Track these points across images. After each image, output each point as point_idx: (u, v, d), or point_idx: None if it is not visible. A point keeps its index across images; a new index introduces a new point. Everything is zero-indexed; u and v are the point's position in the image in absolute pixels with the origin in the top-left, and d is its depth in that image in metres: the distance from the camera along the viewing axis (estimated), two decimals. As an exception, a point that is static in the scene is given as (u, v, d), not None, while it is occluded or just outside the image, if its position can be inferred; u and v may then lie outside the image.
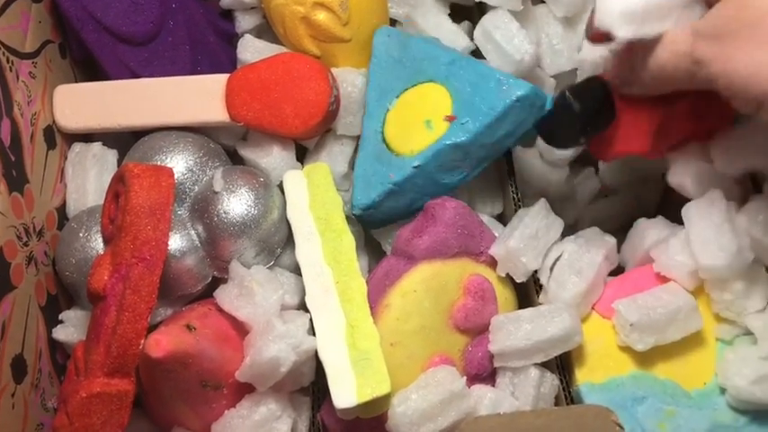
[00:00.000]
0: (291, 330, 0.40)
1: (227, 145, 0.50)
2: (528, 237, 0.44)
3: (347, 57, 0.50)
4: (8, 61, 0.44)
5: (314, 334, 0.41)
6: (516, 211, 0.48)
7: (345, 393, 0.39)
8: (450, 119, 0.45)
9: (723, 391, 0.43)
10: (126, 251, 0.40)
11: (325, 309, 0.42)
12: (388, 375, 0.39)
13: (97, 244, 0.45)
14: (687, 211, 0.44)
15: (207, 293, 0.46)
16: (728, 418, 0.42)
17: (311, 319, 0.42)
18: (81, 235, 0.45)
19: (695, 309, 0.43)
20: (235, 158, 0.50)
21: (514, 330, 0.43)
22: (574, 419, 0.32)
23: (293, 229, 0.46)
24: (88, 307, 0.45)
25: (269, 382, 0.41)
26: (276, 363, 0.39)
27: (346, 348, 0.40)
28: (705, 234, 0.42)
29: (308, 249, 0.44)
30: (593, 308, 0.46)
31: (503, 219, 0.51)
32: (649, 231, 0.47)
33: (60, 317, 0.46)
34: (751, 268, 0.43)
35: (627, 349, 0.44)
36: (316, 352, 0.41)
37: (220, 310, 0.43)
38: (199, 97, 0.47)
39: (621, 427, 0.32)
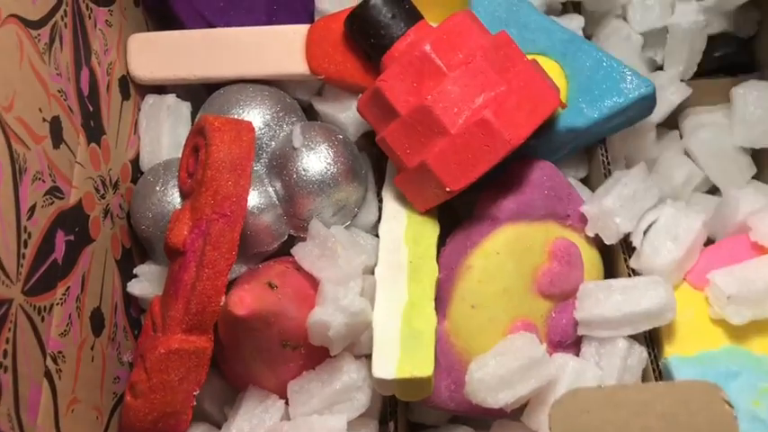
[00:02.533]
0: (340, 293, 0.39)
1: (301, 100, 0.49)
2: (625, 197, 0.42)
3: (430, 7, 0.47)
4: (87, 8, 0.43)
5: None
6: (605, 174, 0.46)
7: (386, 365, 0.38)
8: (563, 106, 0.44)
9: (823, 369, 0.41)
10: (206, 206, 0.39)
11: (391, 283, 0.41)
12: (433, 360, 0.38)
13: (174, 198, 0.44)
14: None
15: (279, 252, 0.45)
16: (829, 398, 0.40)
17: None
18: (158, 189, 0.44)
19: (798, 282, 0.40)
20: (309, 114, 0.49)
21: (604, 299, 0.41)
22: (679, 395, 0.31)
23: (384, 203, 0.44)
24: (163, 261, 0.45)
25: (332, 345, 0.39)
26: (324, 326, 0.38)
27: (400, 323, 0.39)
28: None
29: (392, 226, 0.43)
30: (684, 278, 0.43)
31: (588, 182, 0.49)
32: (743, 200, 0.44)
33: (135, 271, 0.45)
34: None
35: (720, 322, 0.42)
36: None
37: (298, 269, 0.42)
38: (278, 49, 0.46)
39: (731, 405, 0.31)
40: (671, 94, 0.51)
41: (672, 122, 0.55)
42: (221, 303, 0.39)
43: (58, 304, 0.37)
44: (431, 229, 0.44)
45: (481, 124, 0.39)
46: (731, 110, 0.52)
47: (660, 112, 0.50)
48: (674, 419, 0.30)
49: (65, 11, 0.39)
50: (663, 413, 0.31)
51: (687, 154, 0.54)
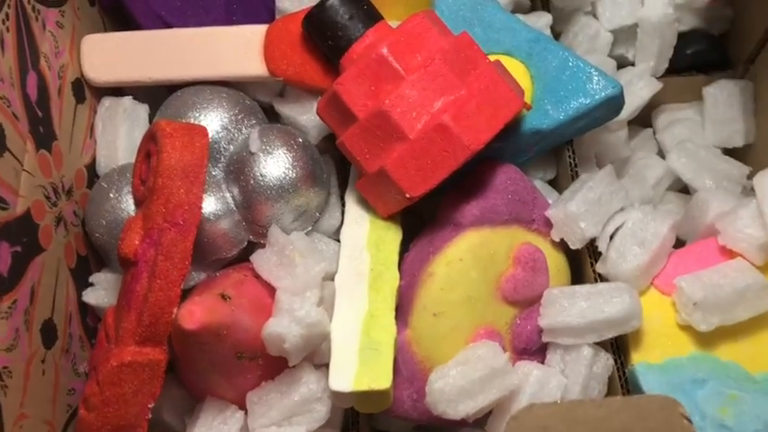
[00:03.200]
0: (296, 304, 0.38)
1: (262, 101, 0.47)
2: (590, 201, 0.41)
3: (392, 7, 0.46)
4: (34, 10, 0.41)
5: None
6: (572, 176, 0.45)
7: (343, 377, 0.37)
8: (527, 108, 0.43)
9: (791, 375, 0.40)
10: (158, 215, 0.38)
11: (351, 291, 0.40)
12: (391, 372, 0.37)
13: (128, 205, 0.43)
14: (760, 180, 0.40)
15: (241, 258, 0.44)
16: (796, 405, 0.40)
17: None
18: (111, 195, 0.43)
19: (765, 287, 0.40)
20: (270, 116, 0.47)
21: (568, 306, 0.40)
22: (637, 410, 0.30)
23: (347, 208, 0.43)
24: (119, 269, 0.44)
25: (290, 357, 0.38)
26: (279, 338, 0.37)
27: (359, 334, 0.38)
28: (781, 205, 0.39)
29: (354, 231, 0.42)
30: (651, 283, 0.43)
31: (556, 184, 0.48)
32: (712, 202, 0.43)
33: (90, 279, 0.44)
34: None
35: (687, 328, 0.41)
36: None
37: (256, 276, 0.41)
38: (235, 50, 0.45)
39: (689, 421, 0.30)
40: (640, 89, 0.50)
41: (645, 120, 0.54)
42: (174, 314, 0.38)
43: (2, 318, 0.36)
44: (393, 235, 0.43)
45: (440, 129, 0.38)
46: (703, 109, 0.51)
47: (630, 107, 0.49)
48: (631, 436, 0.30)
49: (6, 14, 0.38)
50: (620, 428, 0.30)
51: (660, 151, 0.53)
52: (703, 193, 0.44)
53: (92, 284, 0.44)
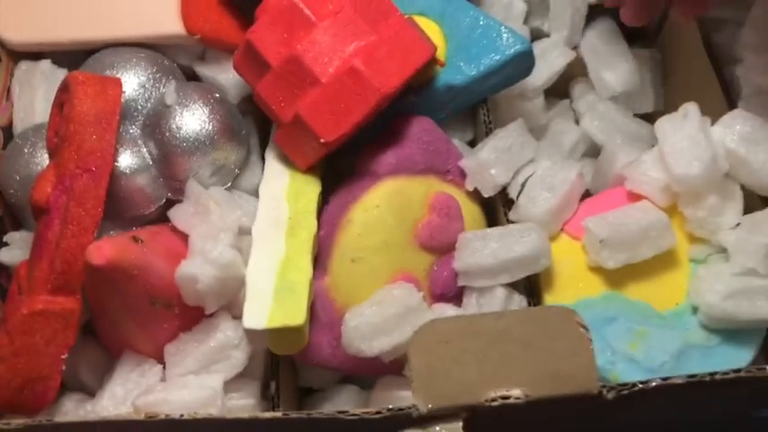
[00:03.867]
0: (209, 245, 0.38)
1: (183, 65, 0.48)
2: (500, 150, 0.43)
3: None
4: (-57, -39, 0.41)
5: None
6: (487, 133, 0.46)
7: (256, 315, 0.37)
8: (441, 64, 0.44)
9: (695, 311, 0.42)
10: (70, 161, 0.38)
11: (268, 238, 0.40)
12: (306, 311, 0.38)
13: (43, 160, 0.42)
14: (660, 125, 0.42)
15: (162, 218, 0.44)
16: (700, 338, 0.41)
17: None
18: (26, 150, 0.42)
19: (668, 226, 0.41)
20: (193, 80, 0.48)
21: (480, 248, 0.41)
22: (536, 321, 0.31)
23: (266, 163, 0.44)
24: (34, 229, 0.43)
25: (205, 302, 0.38)
26: (192, 279, 0.37)
27: (275, 276, 0.39)
28: (679, 145, 0.40)
29: (272, 184, 0.43)
30: (562, 229, 0.44)
31: (473, 145, 0.49)
32: (619, 154, 0.45)
33: (5, 239, 0.44)
34: (724, 183, 0.41)
35: (597, 270, 0.42)
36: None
37: (174, 231, 0.41)
38: (153, 9, 0.45)
39: (585, 328, 0.31)
40: (555, 57, 0.52)
41: (563, 93, 0.56)
42: (87, 260, 0.38)
43: None
44: (312, 187, 0.43)
45: (351, 73, 0.39)
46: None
47: (545, 75, 0.51)
48: (531, 344, 0.31)
49: None
50: (520, 338, 0.31)
51: (577, 121, 0.55)
52: (611, 146, 0.46)
53: (6, 244, 0.44)
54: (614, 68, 0.52)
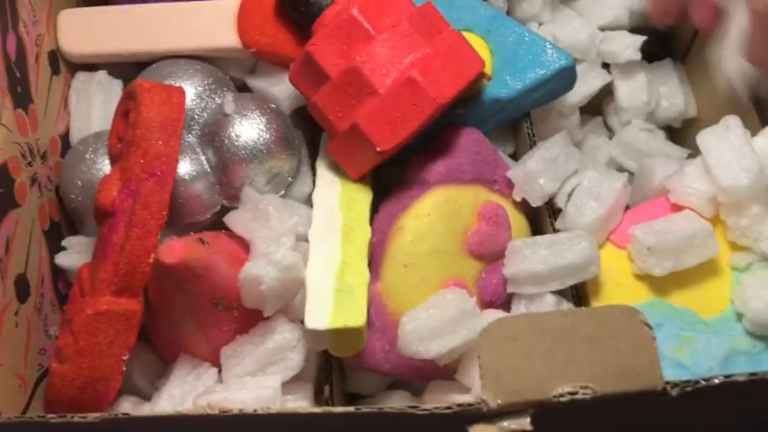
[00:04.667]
0: (272, 247, 0.39)
1: (235, 78, 0.49)
2: (547, 160, 0.44)
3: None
4: (14, -25, 0.43)
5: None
6: (530, 146, 0.47)
7: (318, 315, 0.38)
8: (488, 78, 0.45)
9: (739, 318, 0.43)
10: (136, 166, 0.39)
11: (325, 243, 0.41)
12: (365, 311, 0.39)
13: (104, 166, 0.44)
14: (702, 138, 0.44)
15: (215, 225, 0.45)
16: (746, 344, 0.42)
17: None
18: (87, 156, 0.44)
19: (712, 234, 0.42)
20: (243, 92, 0.49)
21: (531, 255, 0.42)
22: (602, 319, 0.32)
23: (318, 173, 0.45)
24: (92, 234, 0.44)
25: (265, 304, 0.39)
26: (255, 281, 0.38)
27: (333, 279, 0.40)
28: (725, 157, 0.42)
29: (325, 192, 0.44)
30: (607, 238, 0.45)
31: (515, 158, 0.50)
32: (657, 167, 0.47)
33: (63, 243, 0.45)
34: (766, 193, 0.42)
35: (642, 278, 0.43)
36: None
37: (231, 236, 0.42)
38: (209, 23, 0.47)
39: (650, 327, 0.32)
40: (593, 78, 0.53)
41: (597, 110, 0.58)
42: (151, 263, 0.39)
43: (-22, 263, 0.36)
44: (364, 195, 0.44)
45: (408, 83, 0.40)
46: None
47: (582, 94, 0.52)
48: (597, 341, 0.31)
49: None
50: (586, 336, 0.31)
51: (611, 137, 0.57)
52: (648, 160, 0.48)
53: (64, 248, 0.45)
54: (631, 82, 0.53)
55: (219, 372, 0.41)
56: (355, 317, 0.38)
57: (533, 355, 0.31)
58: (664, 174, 0.46)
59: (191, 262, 0.37)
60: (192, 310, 0.39)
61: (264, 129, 0.44)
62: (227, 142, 0.43)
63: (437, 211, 0.43)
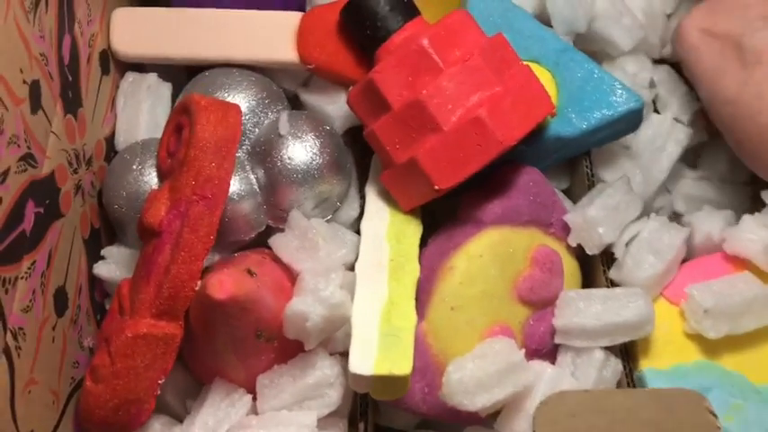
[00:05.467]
0: (321, 284, 0.38)
1: (287, 90, 0.47)
2: (609, 207, 0.42)
3: (423, 8, 0.47)
4: (73, -27, 0.41)
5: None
6: (589, 186, 0.46)
7: (363, 360, 0.37)
8: (552, 114, 0.44)
9: (792, 388, 0.41)
10: (187, 187, 0.38)
11: (372, 280, 0.40)
12: (412, 359, 0.37)
13: (151, 178, 0.42)
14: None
15: (256, 242, 0.44)
16: (797, 417, 0.41)
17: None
18: (134, 167, 0.42)
19: (771, 299, 0.41)
20: (295, 105, 0.48)
21: (584, 308, 0.41)
22: (665, 403, 0.31)
23: (367, 200, 0.43)
24: (132, 244, 0.43)
25: (308, 338, 0.38)
26: (302, 317, 0.37)
27: (379, 320, 0.38)
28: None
29: (374, 223, 0.43)
30: (661, 293, 0.44)
31: (569, 194, 0.49)
32: (698, 222, 0.45)
33: (102, 252, 0.44)
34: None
35: (694, 337, 0.42)
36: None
37: (274, 260, 0.41)
38: (268, 34, 0.45)
39: (715, 415, 0.31)
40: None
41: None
42: (195, 289, 0.38)
43: (22, 278, 0.35)
44: (414, 229, 0.43)
45: (475, 123, 0.38)
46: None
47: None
48: (658, 427, 0.30)
49: (49, -28, 0.38)
50: (648, 420, 0.30)
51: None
52: (687, 216, 0.47)
53: (103, 258, 0.44)
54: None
55: (254, 399, 0.40)
56: (401, 365, 0.37)
57: (591, 434, 0.30)
58: (707, 230, 0.45)
59: (240, 297, 0.36)
60: (234, 341, 0.38)
61: (318, 152, 0.42)
62: (279, 164, 0.42)
63: (490, 253, 0.42)
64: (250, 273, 0.37)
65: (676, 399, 0.31)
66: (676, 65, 0.51)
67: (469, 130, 0.39)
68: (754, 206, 0.46)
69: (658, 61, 0.52)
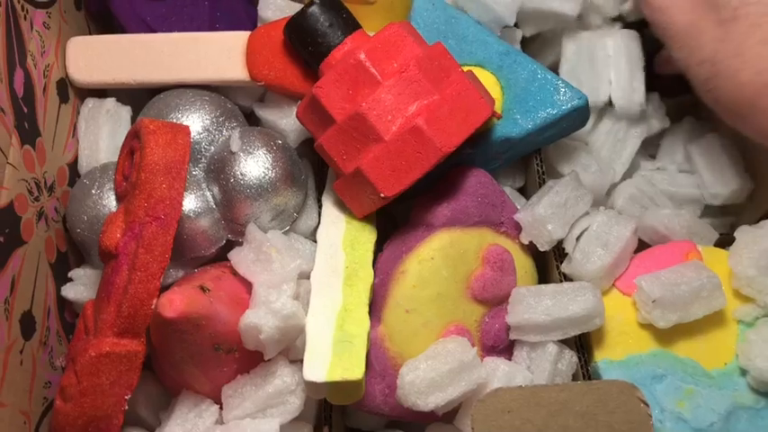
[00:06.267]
0: (272, 296, 0.39)
1: (243, 106, 0.49)
2: (556, 205, 0.43)
3: (370, 19, 0.48)
4: (23, 9, 0.43)
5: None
6: (540, 183, 0.47)
7: (316, 368, 0.38)
8: (498, 117, 0.45)
9: (744, 372, 0.42)
10: (140, 209, 0.39)
11: (327, 288, 0.41)
12: (364, 364, 0.39)
13: (110, 201, 0.44)
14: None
15: (220, 256, 0.45)
16: (749, 400, 0.42)
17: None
18: (93, 192, 0.44)
19: (719, 286, 0.42)
20: (251, 120, 0.49)
21: (534, 304, 0.42)
22: (598, 394, 0.32)
23: (323, 209, 0.45)
24: (99, 265, 0.45)
25: (266, 349, 0.39)
26: (255, 329, 0.38)
27: (333, 328, 0.40)
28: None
29: (330, 231, 0.44)
30: (613, 284, 0.45)
31: (524, 192, 0.50)
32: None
33: (70, 275, 0.45)
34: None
35: (647, 326, 0.43)
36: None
37: (234, 273, 0.43)
38: (218, 55, 0.46)
39: (646, 404, 0.32)
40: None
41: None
42: (153, 306, 0.39)
43: (-16, 306, 0.37)
44: (368, 235, 0.44)
45: (414, 132, 0.40)
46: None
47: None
48: (592, 418, 0.31)
49: (-3, 11, 0.39)
50: (581, 412, 0.31)
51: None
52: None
53: (71, 280, 0.45)
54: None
55: (221, 408, 0.42)
56: (353, 369, 0.38)
57: (528, 428, 0.31)
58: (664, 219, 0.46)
59: (191, 314, 0.37)
60: (192, 356, 0.39)
61: (270, 167, 0.44)
62: (232, 180, 0.43)
63: (441, 255, 0.43)
64: (203, 289, 0.38)
65: (609, 390, 0.32)
66: (638, 24, 0.51)
67: (409, 139, 0.40)
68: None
69: (616, 19, 0.52)
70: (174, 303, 0.36)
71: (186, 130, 0.41)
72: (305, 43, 0.43)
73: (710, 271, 0.42)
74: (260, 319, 0.38)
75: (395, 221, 0.49)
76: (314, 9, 0.43)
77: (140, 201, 0.39)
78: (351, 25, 0.43)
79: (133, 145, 0.41)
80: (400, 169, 0.40)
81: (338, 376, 0.38)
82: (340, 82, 0.41)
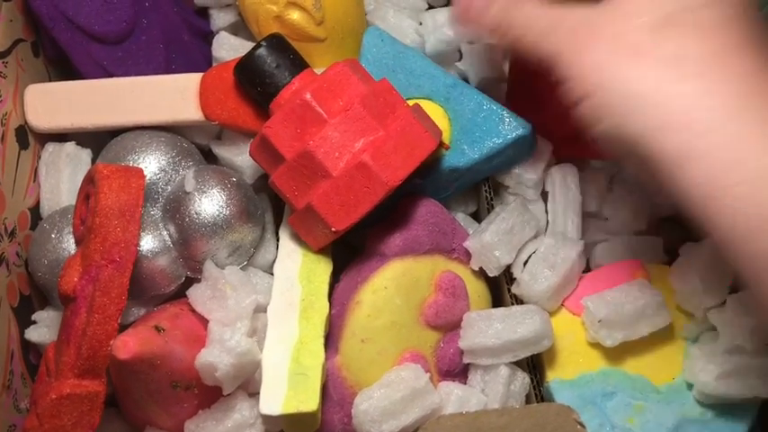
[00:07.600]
0: (227, 334, 0.40)
1: (201, 144, 0.50)
2: (503, 231, 0.45)
3: (322, 56, 0.50)
4: (-23, 62, 0.44)
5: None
6: (489, 209, 0.48)
7: (272, 401, 0.39)
8: (446, 147, 0.46)
9: (690, 386, 0.44)
10: (95, 253, 0.40)
11: (283, 321, 0.43)
12: (319, 396, 0.40)
13: (69, 245, 0.45)
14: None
15: (181, 293, 0.46)
16: (696, 413, 0.43)
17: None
18: (53, 236, 0.45)
19: (663, 305, 0.43)
20: (209, 158, 0.50)
21: (485, 328, 0.43)
22: (536, 418, 0.33)
23: (280, 242, 0.46)
24: (61, 308, 0.45)
25: (224, 385, 0.40)
26: (211, 367, 0.40)
27: (289, 360, 0.41)
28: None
29: (286, 265, 0.45)
30: (563, 304, 0.46)
31: (476, 217, 0.51)
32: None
33: (33, 317, 0.46)
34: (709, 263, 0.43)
35: (596, 345, 0.44)
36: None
37: (193, 310, 0.44)
38: (172, 96, 0.47)
39: (582, 426, 0.33)
40: None
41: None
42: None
43: (-56, 355, 0.38)
44: (324, 267, 0.45)
45: (360, 167, 0.41)
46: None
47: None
48: (531, 441, 0.32)
49: (-50, 66, 0.40)
50: (520, 436, 0.33)
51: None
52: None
53: (34, 322, 0.46)
54: None
55: (185, 443, 0.43)
56: (308, 402, 0.39)
57: (469, 454, 0.33)
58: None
59: (145, 355, 0.38)
60: (151, 394, 0.40)
61: (225, 205, 0.45)
62: (187, 219, 0.44)
63: (394, 285, 0.44)
64: (158, 329, 0.40)
65: (546, 413, 0.33)
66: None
67: (356, 175, 0.41)
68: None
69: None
70: (128, 345, 0.37)
71: (140, 172, 0.43)
72: (254, 84, 0.44)
73: (654, 290, 0.44)
74: (215, 358, 0.39)
75: (353, 250, 0.50)
76: (261, 51, 0.44)
77: (96, 244, 0.40)
78: (298, 65, 0.45)
79: (89, 190, 0.42)
80: (349, 204, 0.42)
81: (293, 408, 0.39)
82: (288, 121, 0.42)
